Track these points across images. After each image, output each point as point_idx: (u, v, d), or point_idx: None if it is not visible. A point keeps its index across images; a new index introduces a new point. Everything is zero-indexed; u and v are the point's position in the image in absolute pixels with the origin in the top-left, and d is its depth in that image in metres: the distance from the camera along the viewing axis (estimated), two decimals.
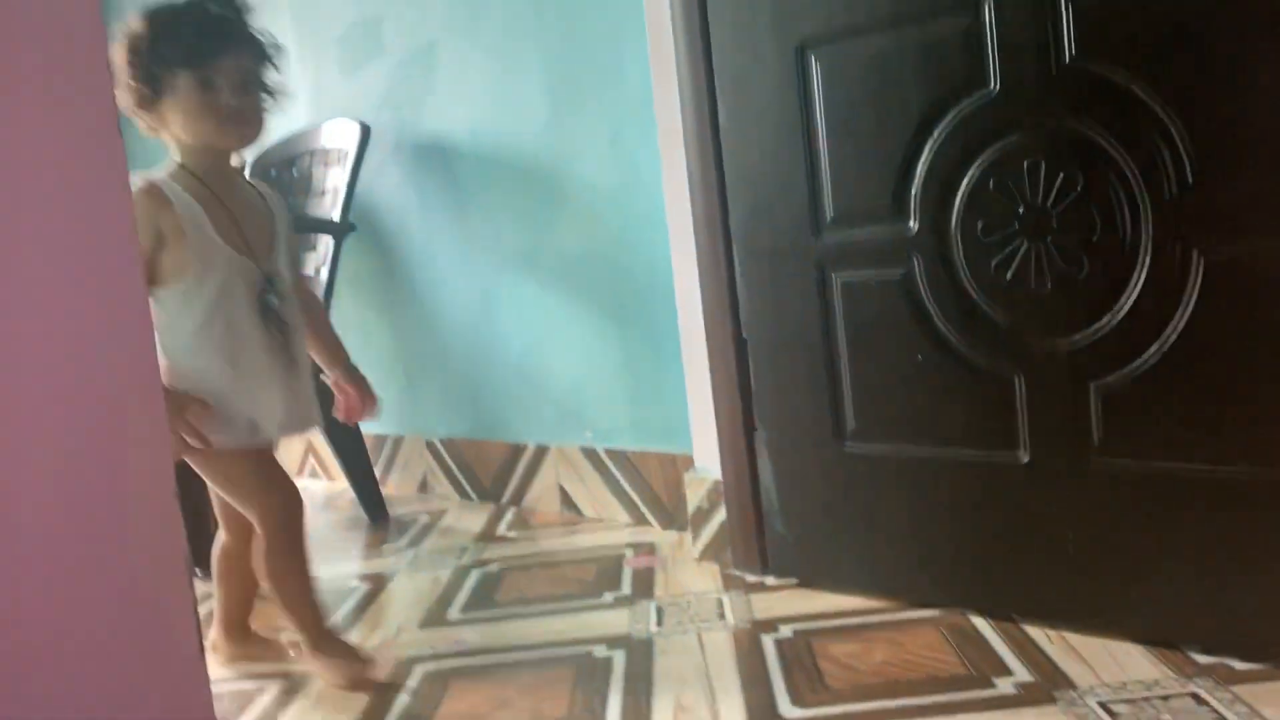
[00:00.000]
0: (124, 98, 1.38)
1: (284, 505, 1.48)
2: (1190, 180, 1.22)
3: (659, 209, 1.94)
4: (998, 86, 1.35)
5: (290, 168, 2.71)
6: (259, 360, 1.43)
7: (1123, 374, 1.30)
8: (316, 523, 2.58)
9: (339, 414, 1.60)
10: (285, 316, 1.45)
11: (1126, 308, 1.29)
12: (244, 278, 1.41)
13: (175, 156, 1.43)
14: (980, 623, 1.47)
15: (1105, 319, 1.31)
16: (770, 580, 1.75)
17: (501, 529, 2.28)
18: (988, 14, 1.34)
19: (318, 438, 2.93)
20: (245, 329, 1.41)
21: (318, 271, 2.52)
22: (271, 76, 1.44)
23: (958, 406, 1.46)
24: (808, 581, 1.70)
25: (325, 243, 2.48)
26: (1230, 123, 1.18)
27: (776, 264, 1.64)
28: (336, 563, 2.19)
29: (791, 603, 1.64)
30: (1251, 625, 1.25)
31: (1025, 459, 1.40)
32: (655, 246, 2.00)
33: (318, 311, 1.61)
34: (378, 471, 2.74)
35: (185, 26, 1.36)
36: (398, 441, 2.78)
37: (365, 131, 2.48)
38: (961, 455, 1.47)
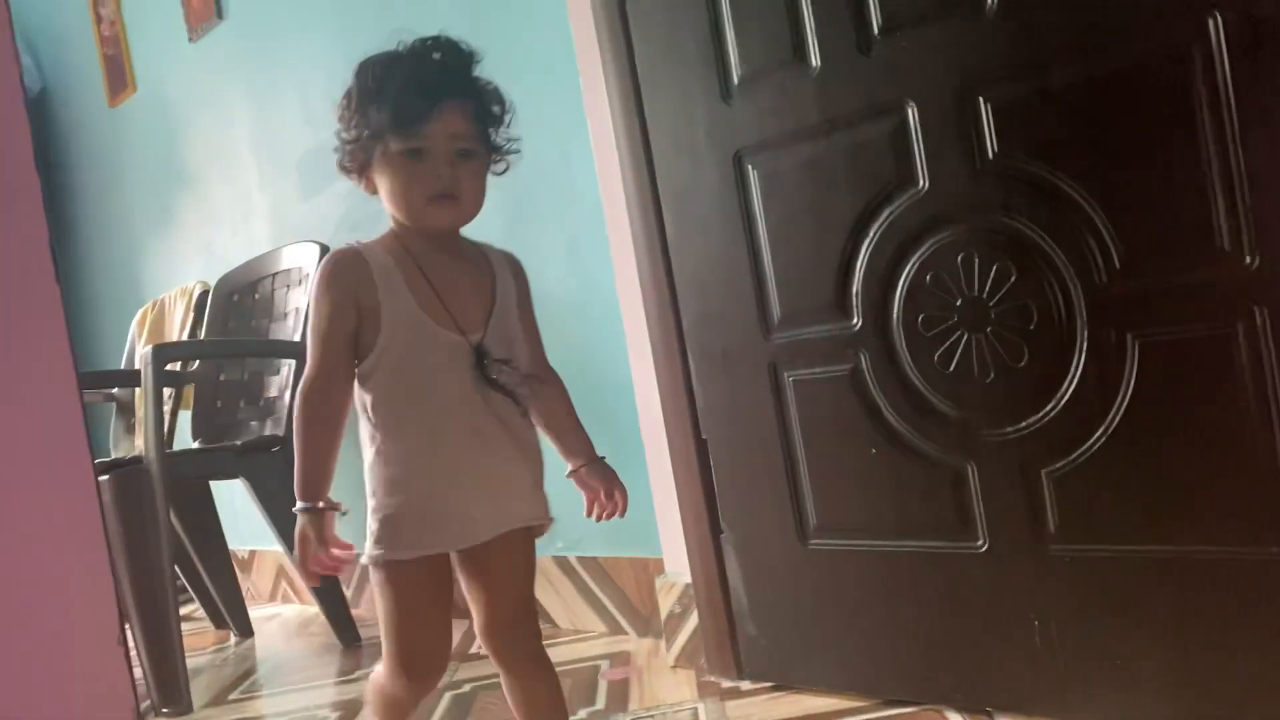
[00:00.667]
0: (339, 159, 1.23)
1: (424, 655, 1.22)
2: (1118, 267, 1.25)
3: (615, 315, 1.97)
4: (926, 185, 1.39)
5: (253, 292, 2.73)
6: (461, 450, 1.18)
7: (1071, 459, 1.31)
8: (291, 649, 2.53)
9: (588, 513, 1.32)
10: (506, 384, 1.20)
11: (1068, 394, 1.31)
12: (449, 354, 1.18)
13: (391, 223, 1.24)
14: (956, 718, 1.45)
15: (1049, 406, 1.32)
16: (745, 685, 1.72)
17: (474, 646, 2.25)
18: (912, 116, 1.39)
19: (287, 561, 2.89)
20: (446, 413, 1.17)
21: (281, 394, 2.53)
22: (499, 136, 1.22)
23: (914, 498, 1.46)
24: (783, 684, 1.68)
25: (287, 365, 2.49)
26: (1150, 212, 1.22)
27: (730, 365, 1.66)
28: (310, 691, 2.14)
29: (767, 708, 1.61)
30: (1220, 705, 1.24)
31: (984, 547, 1.41)
32: (614, 352, 2.02)
33: (555, 393, 1.32)
34: (348, 593, 2.70)
35: (394, 83, 1.15)
36: None
37: (324, 252, 2.51)
38: (922, 547, 1.47)
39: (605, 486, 1.30)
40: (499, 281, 1.26)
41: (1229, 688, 1.23)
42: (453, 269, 1.22)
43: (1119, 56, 1.22)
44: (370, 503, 1.21)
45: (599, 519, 1.31)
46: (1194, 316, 1.20)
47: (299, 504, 1.17)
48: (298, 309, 2.56)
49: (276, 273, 2.69)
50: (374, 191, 1.19)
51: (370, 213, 2.59)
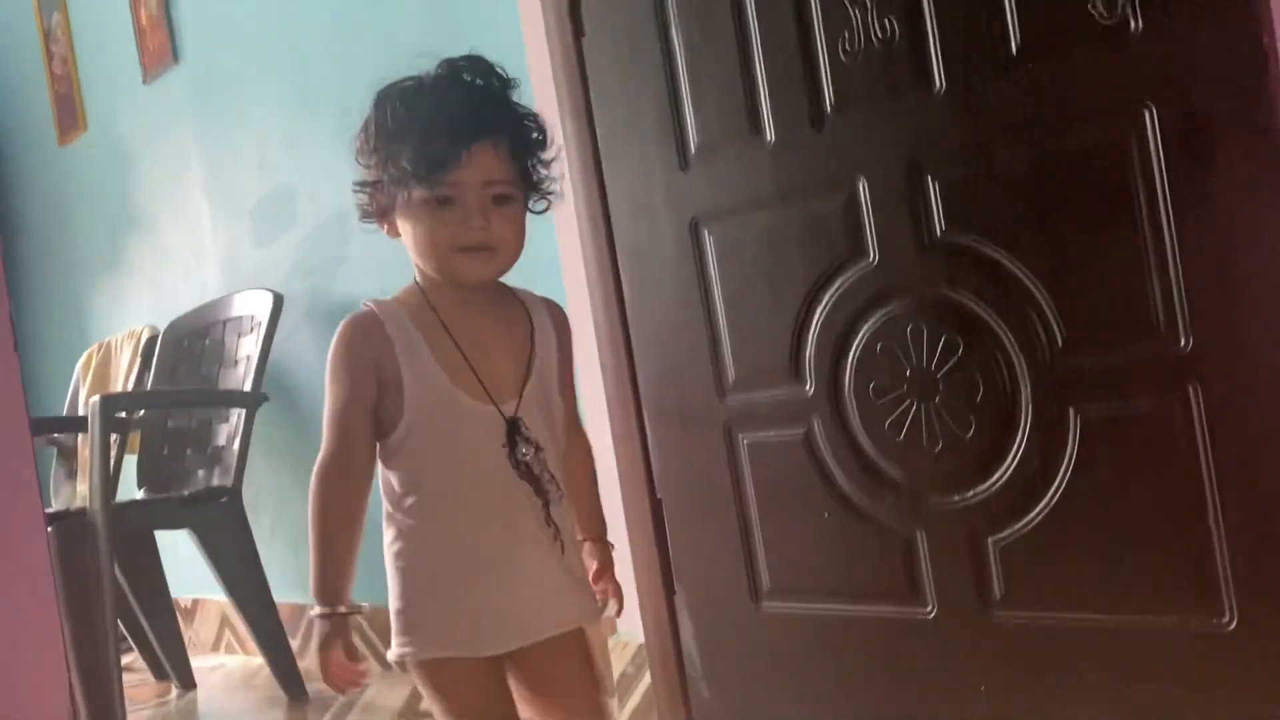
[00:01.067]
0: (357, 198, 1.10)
1: None
2: (1061, 343, 1.29)
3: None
4: (876, 258, 1.43)
5: (203, 337, 2.71)
6: (491, 543, 1.06)
7: (1016, 529, 1.35)
8: (234, 703, 2.49)
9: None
10: (536, 474, 1.07)
11: (1013, 465, 1.34)
12: (480, 429, 1.06)
13: (416, 274, 1.12)
14: None
15: (996, 476, 1.36)
16: None
17: (424, 704, 2.22)
18: (862, 191, 1.43)
19: (230, 611, 2.84)
20: (476, 500, 1.06)
21: (230, 443, 2.50)
22: (539, 170, 1.09)
23: (865, 563, 1.49)
24: None
25: (237, 413, 2.47)
26: (1090, 292, 1.26)
27: (685, 426, 1.68)
28: None
29: None
30: None
31: (932, 614, 1.43)
32: None
33: (578, 456, 1.21)
34: (295, 644, 2.66)
35: (418, 120, 1.02)
36: (300, 610, 2.71)
37: (278, 301, 2.50)
38: (873, 612, 1.49)
39: (596, 572, 1.19)
40: (539, 337, 1.13)
41: None
42: (486, 326, 1.10)
43: (1061, 142, 1.27)
44: (392, 590, 1.10)
45: (599, 596, 1.20)
46: (1132, 393, 1.25)
47: (318, 608, 1.06)
48: (249, 356, 2.54)
49: (228, 319, 2.67)
50: (397, 236, 1.08)
51: (326, 259, 2.61)
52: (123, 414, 2.66)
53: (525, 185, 1.08)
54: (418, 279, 1.12)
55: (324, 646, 1.08)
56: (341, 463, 1.07)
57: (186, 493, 2.38)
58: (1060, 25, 1.24)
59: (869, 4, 1.39)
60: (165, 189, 3.09)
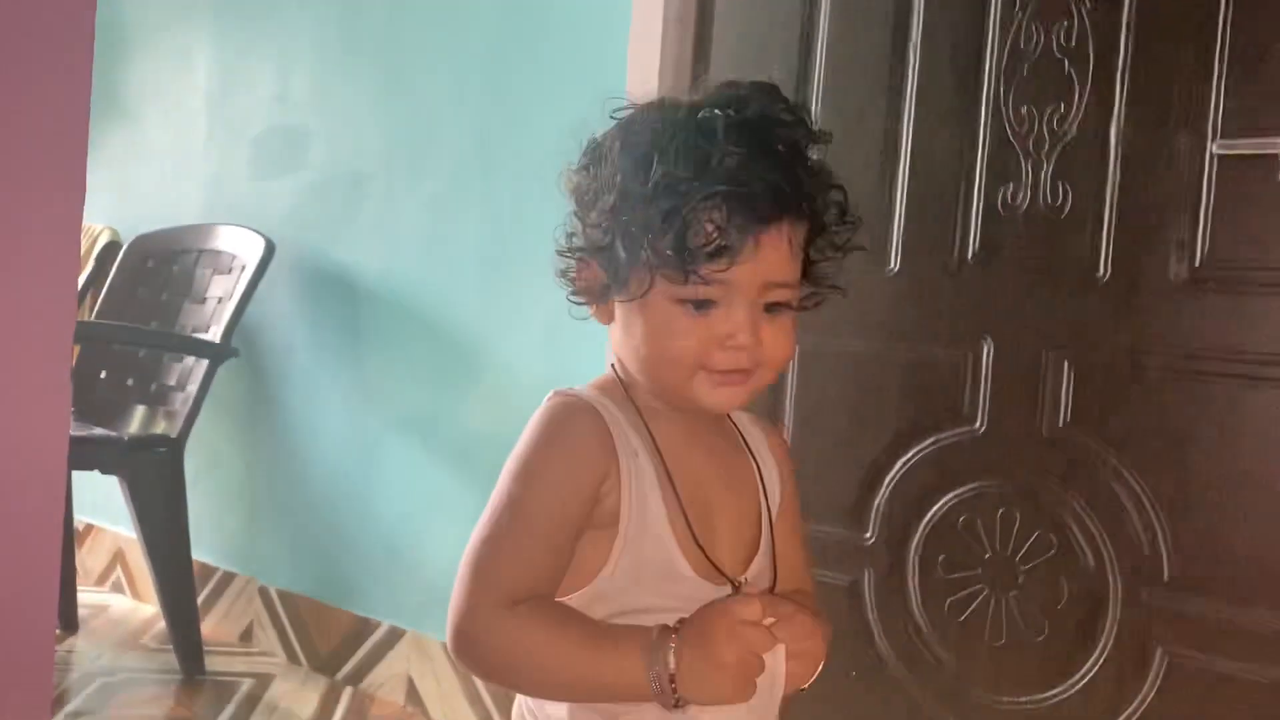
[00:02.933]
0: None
1: None
2: (1166, 579, 1.21)
3: None
4: (983, 428, 1.34)
5: (172, 263, 2.48)
6: None
7: None
8: (121, 666, 2.29)
9: None
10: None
11: (1079, 685, 1.27)
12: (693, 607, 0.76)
13: (618, 368, 0.83)
14: None
15: (1057, 690, 1.28)
16: None
17: (336, 718, 2.07)
18: (986, 354, 1.33)
19: (134, 550, 2.63)
20: None
21: (182, 385, 2.29)
22: (825, 263, 0.81)
23: None
24: None
25: (195, 359, 2.26)
26: (1215, 536, 1.19)
27: None
28: None
29: None
30: None
31: None
32: None
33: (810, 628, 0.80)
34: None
35: (695, 186, 0.73)
36: (227, 578, 2.52)
37: (269, 248, 2.30)
38: None
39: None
40: (768, 480, 0.86)
41: None
42: (706, 467, 0.82)
43: (1222, 372, 1.18)
44: None
45: None
46: (1235, 655, 1.18)
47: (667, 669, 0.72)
48: (220, 298, 2.33)
49: (205, 250, 2.44)
50: (608, 323, 0.81)
51: (330, 216, 2.40)
52: None
53: (806, 282, 0.80)
54: (622, 376, 0.82)
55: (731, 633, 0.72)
56: (533, 591, 0.75)
57: (127, 436, 2.16)
58: (1257, 262, 1.15)
59: (1045, 160, 1.29)
60: (159, 84, 2.82)
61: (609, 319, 0.81)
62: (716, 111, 0.75)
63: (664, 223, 0.73)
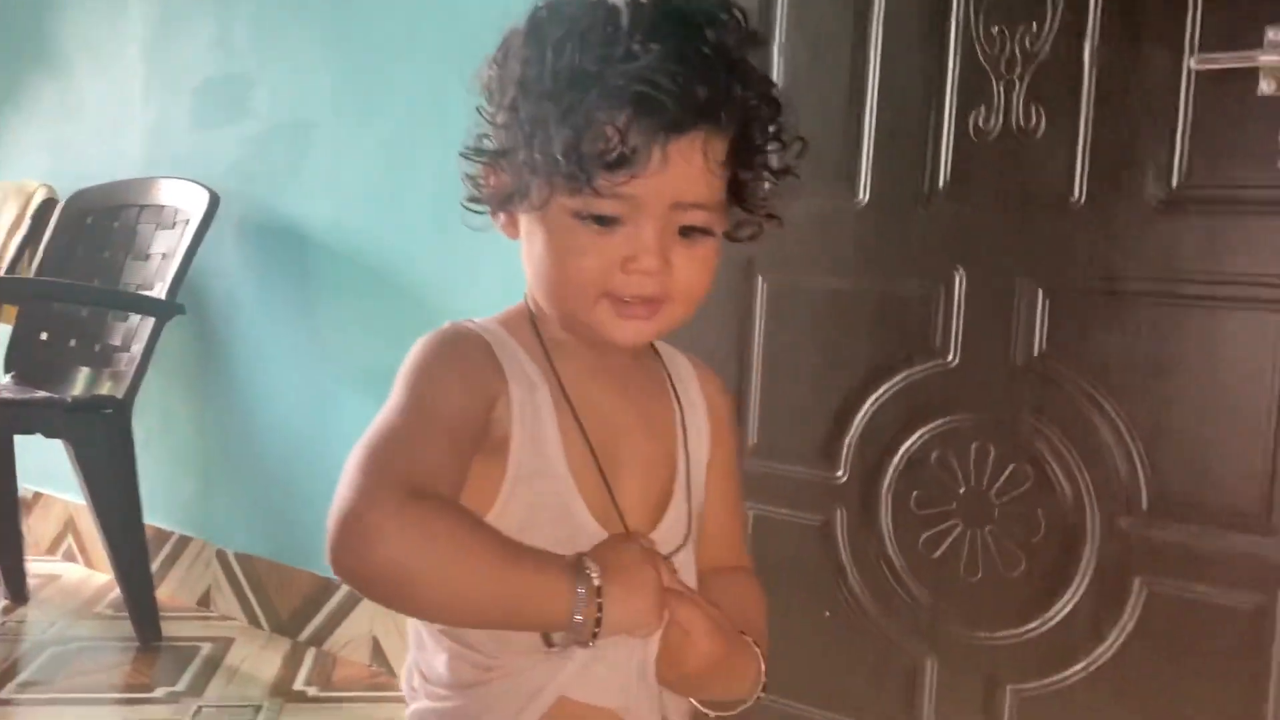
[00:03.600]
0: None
1: None
2: (1145, 508, 1.19)
3: None
4: (956, 360, 1.30)
5: (113, 219, 2.38)
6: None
7: (1044, 684, 1.26)
8: (73, 635, 2.22)
9: None
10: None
11: (1057, 618, 1.25)
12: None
13: (529, 298, 0.77)
14: None
15: (1034, 624, 1.26)
16: None
17: (300, 680, 2.02)
18: (959, 285, 1.30)
19: (85, 517, 2.55)
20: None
21: (126, 345, 2.21)
22: (758, 183, 0.72)
23: (862, 676, 1.38)
24: None
25: (140, 316, 2.17)
26: (1193, 464, 1.17)
27: None
28: (95, 712, 1.86)
29: None
30: None
31: None
32: None
33: (741, 599, 0.79)
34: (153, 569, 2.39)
35: (608, 75, 0.64)
36: (183, 542, 2.45)
37: (214, 201, 2.21)
38: None
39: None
40: (689, 423, 0.79)
41: None
42: (619, 407, 0.75)
43: (1203, 297, 1.16)
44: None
45: None
46: (1212, 581, 1.16)
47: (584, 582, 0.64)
48: (164, 254, 2.25)
49: (147, 205, 2.35)
50: (516, 237, 0.74)
51: (274, 166, 2.32)
52: None
53: (731, 204, 0.71)
54: (531, 307, 0.76)
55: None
56: (448, 484, 0.66)
57: (70, 399, 2.08)
58: (1235, 181, 1.12)
59: (1017, 82, 1.25)
60: (93, 34, 2.70)
61: (515, 233, 0.74)
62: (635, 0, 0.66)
63: (560, 124, 0.64)
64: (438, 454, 0.66)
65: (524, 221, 0.72)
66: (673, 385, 0.80)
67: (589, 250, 0.68)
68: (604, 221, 0.68)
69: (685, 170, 0.66)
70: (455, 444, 0.67)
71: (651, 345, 0.80)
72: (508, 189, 0.71)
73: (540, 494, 0.71)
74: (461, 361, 0.71)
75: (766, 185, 0.73)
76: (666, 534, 0.75)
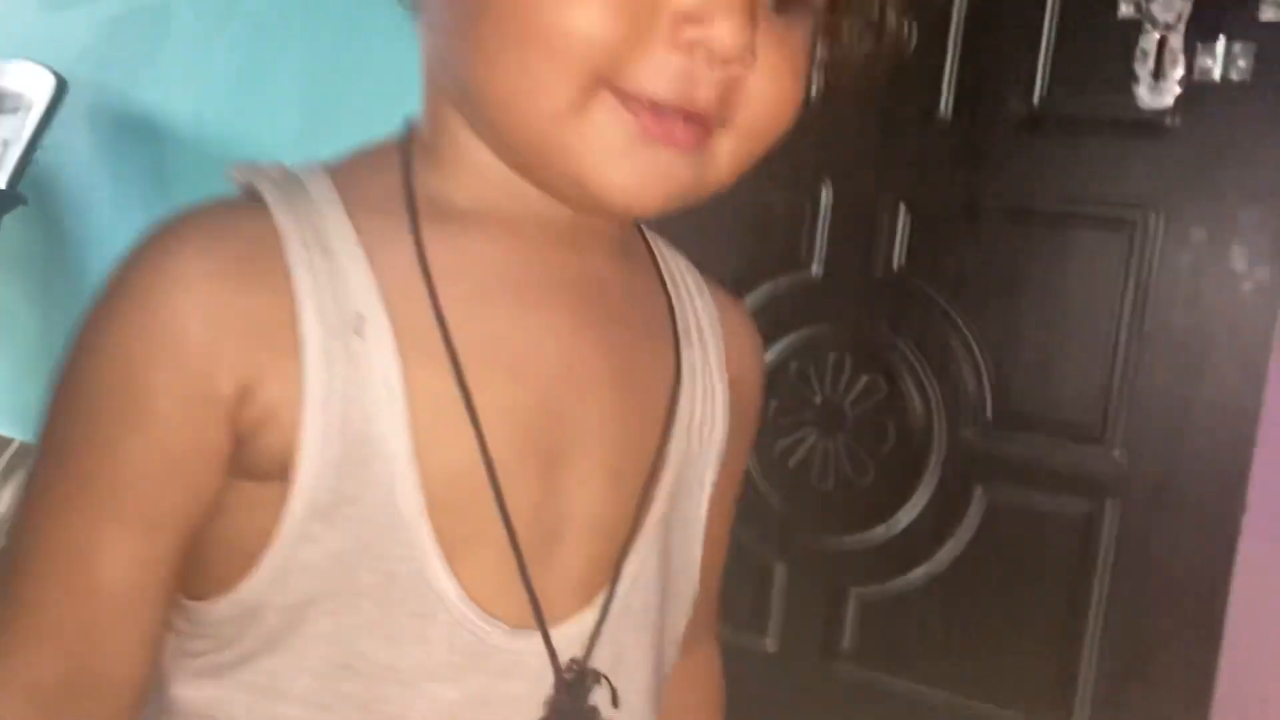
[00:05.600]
0: None
1: None
2: (990, 419, 1.23)
3: None
4: (819, 273, 1.31)
5: None
6: None
7: (886, 587, 1.29)
8: None
9: None
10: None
11: (901, 526, 1.28)
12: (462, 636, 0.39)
13: (417, 126, 0.44)
14: None
15: (879, 530, 1.30)
16: None
17: None
18: (824, 198, 1.30)
19: None
20: None
21: None
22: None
23: None
24: None
25: None
26: (1035, 380, 1.20)
27: None
28: None
29: None
30: None
31: (773, 649, 1.37)
32: None
33: (697, 677, 0.55)
34: None
35: None
36: (26, 449, 2.34)
37: (60, 86, 2.07)
38: None
39: None
40: (697, 386, 0.46)
41: None
42: (575, 344, 0.42)
43: (1061, 215, 1.19)
44: None
45: None
46: (1050, 490, 1.21)
47: None
48: (6, 141, 2.10)
49: None
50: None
51: (130, 54, 2.19)
52: None
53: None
54: (411, 146, 0.43)
55: None
56: (137, 634, 0.38)
57: None
58: (1093, 103, 1.15)
59: None
60: None
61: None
62: None
63: None
64: (118, 571, 0.37)
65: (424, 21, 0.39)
66: (674, 320, 0.46)
67: (583, 35, 0.35)
68: None
69: None
70: (159, 526, 0.37)
71: (645, 241, 0.49)
72: None
73: (360, 539, 0.37)
74: (161, 336, 0.39)
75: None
76: (624, 605, 0.43)
